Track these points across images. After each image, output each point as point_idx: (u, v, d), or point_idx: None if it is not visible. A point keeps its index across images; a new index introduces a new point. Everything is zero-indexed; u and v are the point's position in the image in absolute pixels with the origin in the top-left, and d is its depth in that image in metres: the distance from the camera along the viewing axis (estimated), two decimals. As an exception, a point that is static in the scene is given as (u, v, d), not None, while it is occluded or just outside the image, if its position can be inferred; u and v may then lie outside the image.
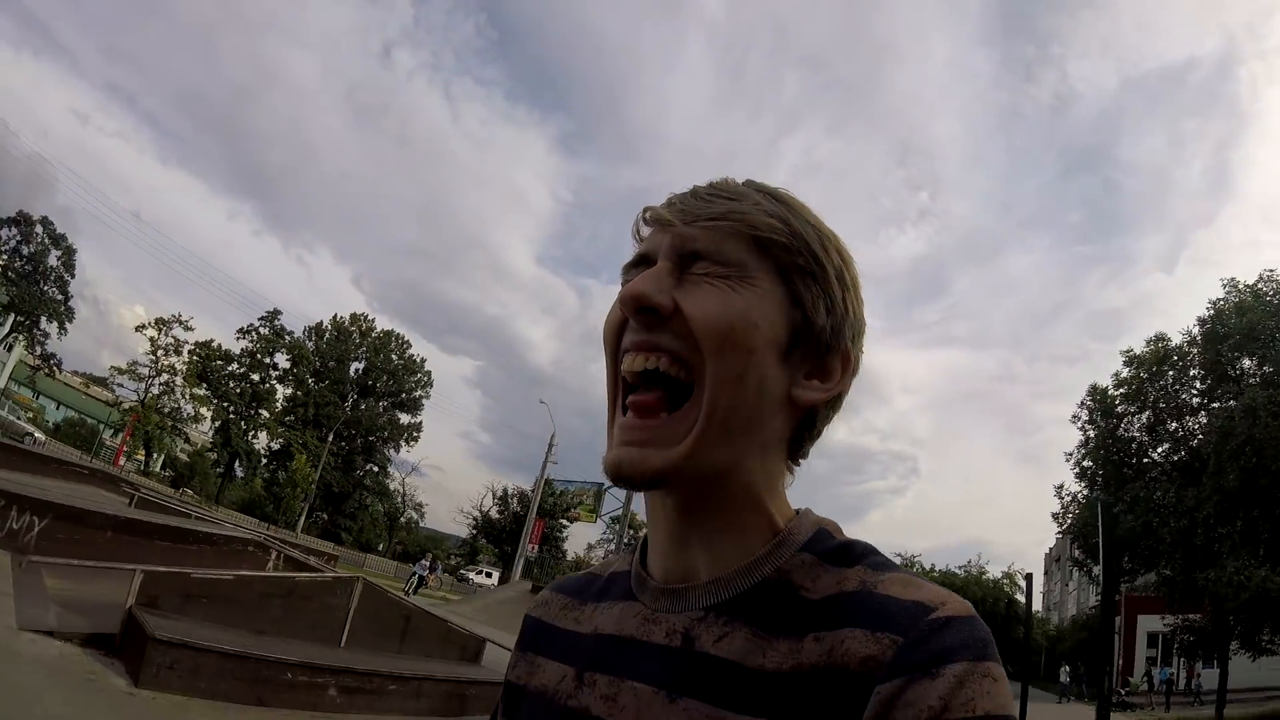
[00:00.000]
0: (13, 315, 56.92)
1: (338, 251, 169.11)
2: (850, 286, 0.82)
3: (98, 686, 6.29)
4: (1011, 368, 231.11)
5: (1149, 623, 37.53)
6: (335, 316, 73.50)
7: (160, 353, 58.04)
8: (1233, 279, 20.12)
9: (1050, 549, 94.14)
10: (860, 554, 0.74)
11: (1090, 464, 21.87)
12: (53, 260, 57.18)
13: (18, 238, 55.68)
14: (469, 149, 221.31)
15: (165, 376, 58.67)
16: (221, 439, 63.21)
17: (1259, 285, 19.78)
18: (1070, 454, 22.21)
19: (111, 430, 59.28)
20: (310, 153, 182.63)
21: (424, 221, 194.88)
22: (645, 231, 0.82)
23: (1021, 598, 49.86)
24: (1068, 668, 40.12)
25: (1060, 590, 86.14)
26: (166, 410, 58.43)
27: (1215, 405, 19.24)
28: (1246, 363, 19.50)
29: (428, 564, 33.17)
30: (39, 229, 56.23)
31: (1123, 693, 33.14)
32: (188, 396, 60.19)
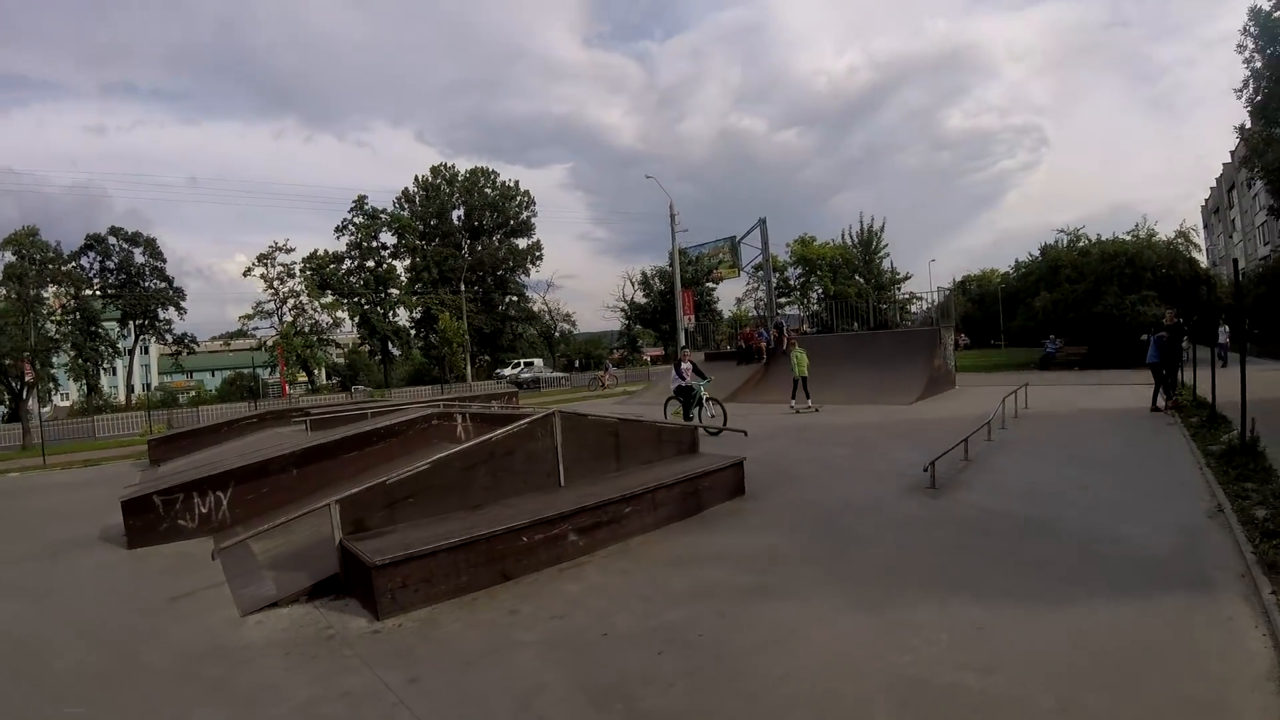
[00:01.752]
0: (131, 323, 60.44)
1: (391, 118, 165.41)
2: None
3: (339, 640, 5.67)
4: (1120, 11, 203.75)
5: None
6: (417, 177, 73.29)
7: (276, 283, 59.89)
8: None
9: (1205, 201, 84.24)
10: None
11: (1264, 97, 17.85)
12: (139, 258, 60.77)
13: (98, 259, 58.60)
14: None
15: (291, 301, 60.58)
16: (367, 330, 66.11)
17: None
18: (1239, 90, 18.26)
19: (268, 369, 62.20)
20: (318, 42, 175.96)
21: (457, 55, 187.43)
22: None
23: (1199, 256, 42.98)
24: (1227, 327, 32.92)
25: (1225, 243, 75.38)
26: (307, 329, 60.59)
27: None
28: None
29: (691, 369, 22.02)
30: (111, 240, 59.16)
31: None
32: (319, 309, 62.35)
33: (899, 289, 64.49)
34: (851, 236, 67.85)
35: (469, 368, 61.30)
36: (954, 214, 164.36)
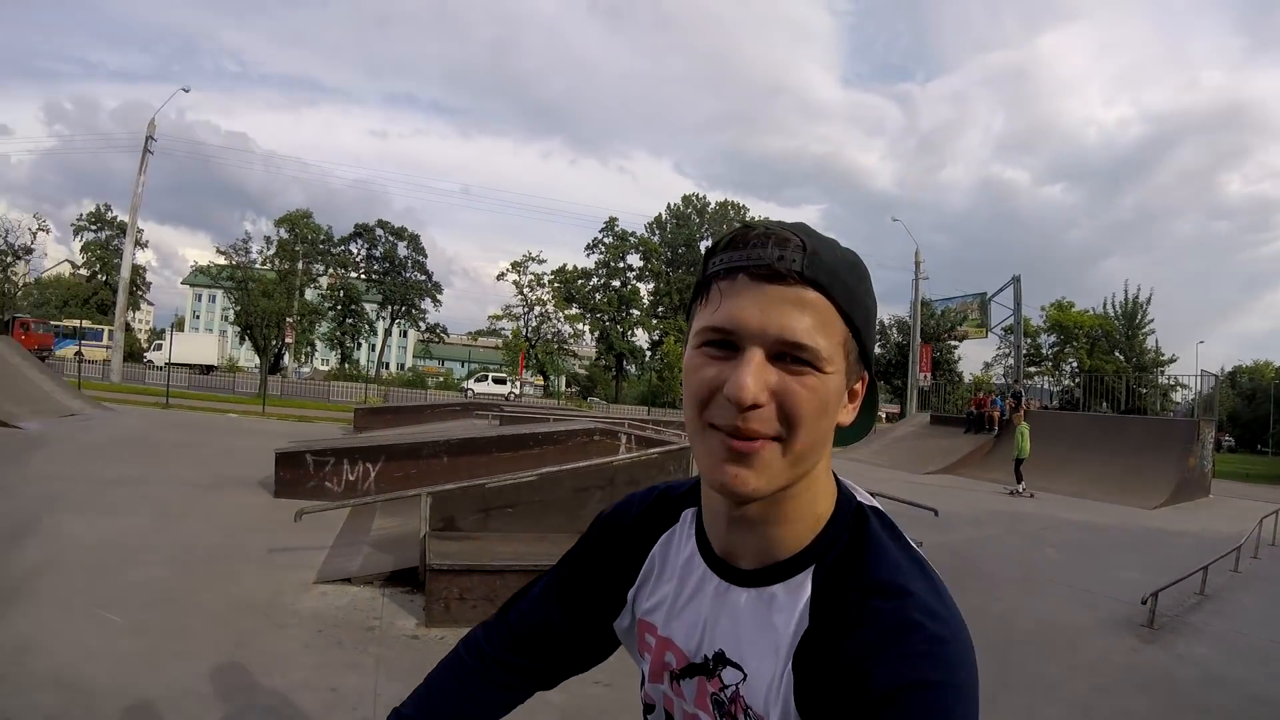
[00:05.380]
0: (390, 307, 65.63)
1: (651, 148, 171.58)
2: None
3: (376, 634, 5.18)
4: None
5: None
6: (669, 204, 75.29)
7: (526, 290, 62.62)
8: None
9: None
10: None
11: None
12: (403, 251, 65.86)
13: (365, 246, 64.31)
14: (727, 2, 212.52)
15: (538, 309, 63.16)
16: (605, 346, 68.22)
17: None
18: None
19: (507, 369, 65.32)
20: (585, 70, 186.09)
21: (718, 89, 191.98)
22: None
23: None
24: None
25: None
26: (549, 336, 63.04)
27: None
28: None
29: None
30: (379, 231, 65.30)
31: None
32: (562, 319, 64.96)
33: (1161, 372, 56.68)
34: (1114, 307, 60.24)
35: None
36: (1229, 292, 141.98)
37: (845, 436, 0.94)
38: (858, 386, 0.89)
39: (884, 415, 64.21)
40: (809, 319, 0.79)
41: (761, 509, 0.86)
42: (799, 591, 0.87)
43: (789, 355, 0.79)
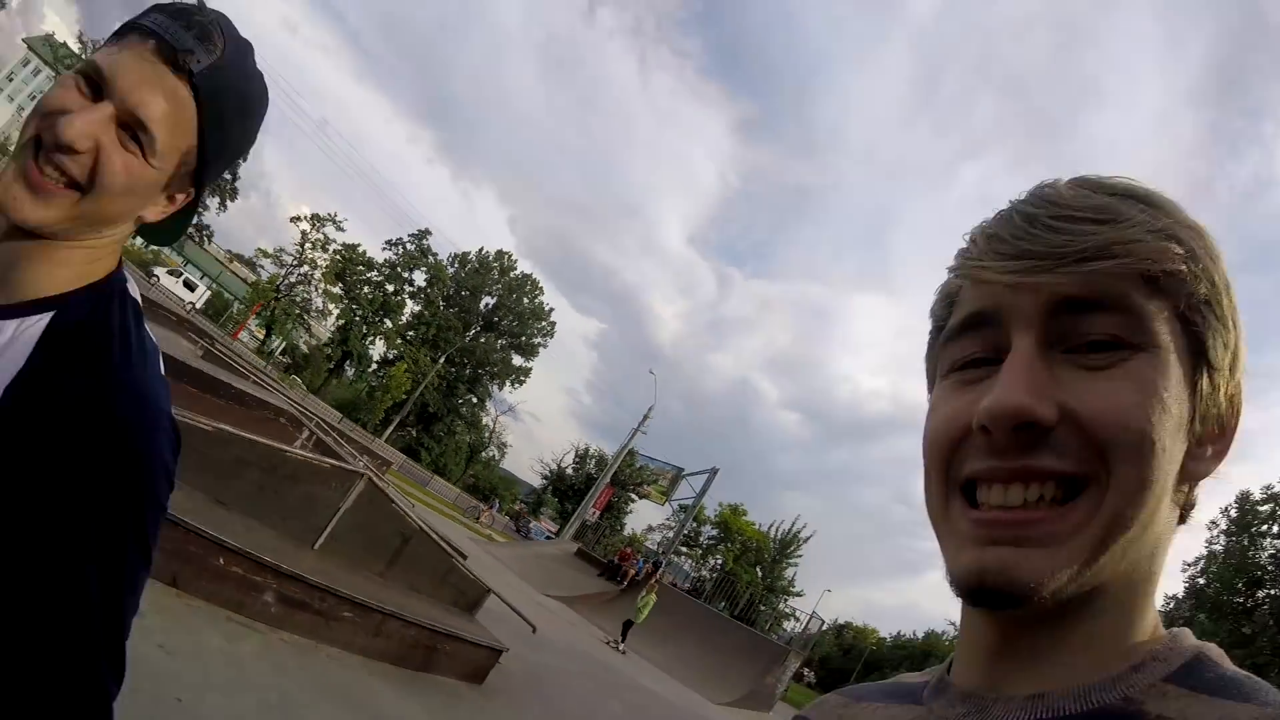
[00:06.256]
0: None
1: (501, 192, 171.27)
2: (1234, 298, 0.58)
3: None
4: None
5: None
6: (481, 250, 73.93)
7: (308, 245, 59.50)
8: None
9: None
10: (1252, 691, 0.51)
11: (1209, 583, 17.15)
12: None
13: None
14: (651, 118, 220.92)
15: (306, 268, 60.11)
16: (340, 337, 65.02)
17: None
18: (1188, 565, 17.60)
19: (241, 306, 61.00)
20: (497, 93, 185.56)
21: (590, 180, 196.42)
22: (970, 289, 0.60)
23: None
24: None
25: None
26: (298, 299, 59.62)
27: None
28: None
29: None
30: None
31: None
32: (321, 291, 61.65)
33: (786, 601, 61.51)
34: (777, 531, 65.98)
35: (391, 429, 59.79)
36: (875, 562, 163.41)
37: (156, 236, 1.04)
38: (180, 196, 0.95)
39: (545, 528, 65.35)
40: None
41: None
42: None
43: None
